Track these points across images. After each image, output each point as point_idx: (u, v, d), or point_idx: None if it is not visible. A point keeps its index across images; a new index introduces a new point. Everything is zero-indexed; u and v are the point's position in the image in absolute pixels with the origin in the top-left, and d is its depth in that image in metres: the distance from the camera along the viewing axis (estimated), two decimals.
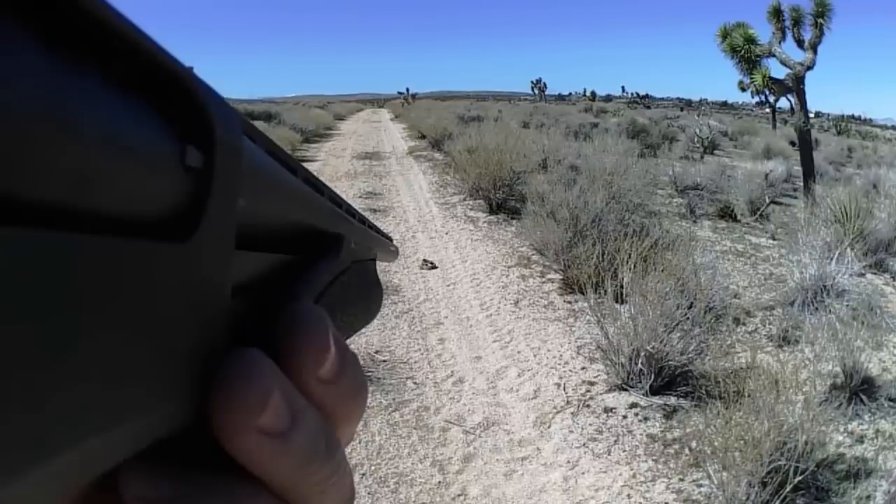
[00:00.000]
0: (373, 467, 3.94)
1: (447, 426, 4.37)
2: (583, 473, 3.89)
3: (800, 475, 3.36)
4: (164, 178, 0.19)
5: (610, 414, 4.52)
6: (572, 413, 4.51)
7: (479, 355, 5.42)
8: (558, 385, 4.90)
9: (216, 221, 0.21)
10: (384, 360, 5.28)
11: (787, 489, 3.33)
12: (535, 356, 5.38)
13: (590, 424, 4.39)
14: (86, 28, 0.16)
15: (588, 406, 4.61)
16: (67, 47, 0.15)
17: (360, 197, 11.89)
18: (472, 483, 3.81)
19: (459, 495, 3.71)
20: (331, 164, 16.65)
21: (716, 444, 3.62)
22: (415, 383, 4.94)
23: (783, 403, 3.64)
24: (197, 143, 0.20)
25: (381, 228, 0.63)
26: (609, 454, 4.09)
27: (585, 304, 5.80)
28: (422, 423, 4.40)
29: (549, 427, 4.36)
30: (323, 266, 0.37)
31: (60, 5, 0.15)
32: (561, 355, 5.38)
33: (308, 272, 0.35)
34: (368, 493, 3.72)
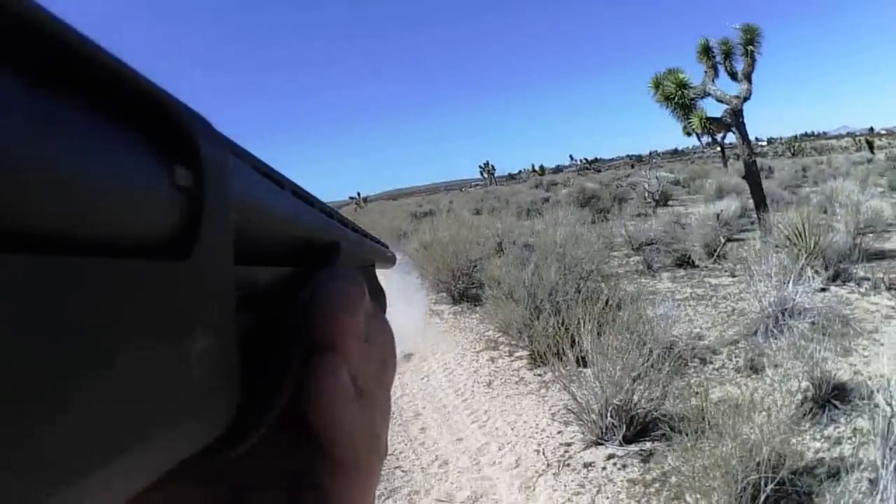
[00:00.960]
0: None
1: None
2: None
3: (773, 483, 3.70)
4: (156, 200, 0.20)
5: (590, 468, 4.87)
6: (554, 474, 4.86)
7: (459, 437, 5.77)
8: (538, 451, 5.25)
9: (213, 237, 0.22)
10: None
11: (763, 499, 3.68)
12: (512, 429, 5.74)
13: (572, 481, 4.74)
14: (67, 60, 0.17)
15: (568, 465, 4.96)
16: (51, 81, 0.16)
17: None
18: None
19: None
20: None
21: (688, 473, 3.97)
22: (403, 471, 5.28)
23: (745, 423, 4.00)
24: (184, 163, 0.21)
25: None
26: None
27: (556, 376, 6.19)
28: None
29: (534, 490, 4.70)
30: (325, 274, 0.37)
31: (42, 42, 0.16)
32: (537, 424, 5.74)
33: (312, 280, 0.36)
34: None
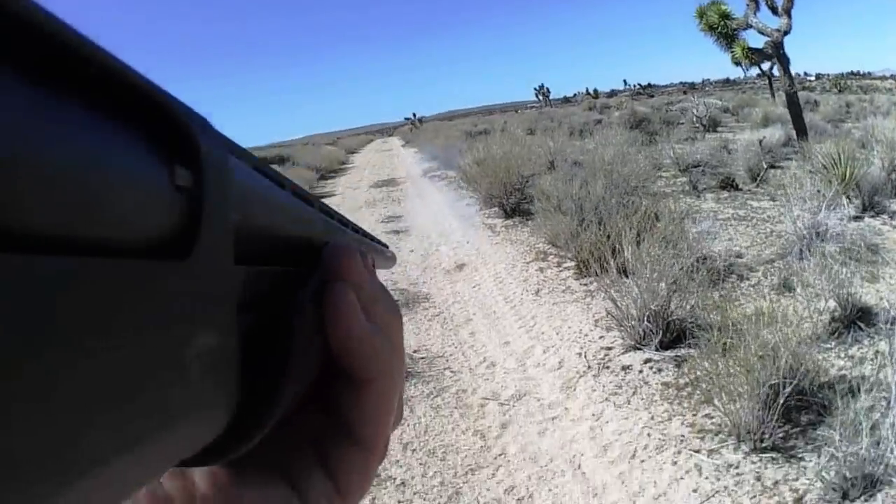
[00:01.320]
0: (421, 443, 4.50)
1: (484, 402, 4.91)
2: (607, 422, 4.40)
3: (791, 388, 3.83)
4: (156, 199, 0.20)
5: (627, 371, 5.04)
6: (594, 375, 5.04)
7: (507, 341, 5.96)
8: (580, 354, 5.43)
9: (213, 237, 0.22)
10: (422, 357, 5.84)
11: (783, 402, 3.78)
12: (557, 334, 5.92)
13: (610, 382, 4.91)
14: (66, 60, 0.16)
15: (607, 367, 5.13)
16: (50, 80, 0.16)
17: (381, 222, 12.45)
18: (510, 444, 4.34)
19: (500, 455, 4.24)
20: (349, 196, 17.22)
21: (714, 373, 4.12)
22: (452, 372, 5.50)
23: (770, 331, 4.11)
24: (184, 163, 0.21)
25: (393, 242, 0.73)
26: (629, 403, 4.60)
27: (600, 285, 6.33)
28: (461, 403, 4.96)
29: (574, 390, 4.89)
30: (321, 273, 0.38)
31: (41, 42, 0.15)
32: (580, 330, 5.91)
33: (310, 281, 0.37)
34: (420, 464, 4.27)
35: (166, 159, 0.20)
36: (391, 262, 0.75)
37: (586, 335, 5.78)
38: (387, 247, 0.72)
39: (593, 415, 4.52)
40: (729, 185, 10.71)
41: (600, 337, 5.69)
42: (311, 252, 0.39)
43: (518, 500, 3.80)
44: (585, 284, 6.98)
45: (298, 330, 0.33)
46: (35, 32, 0.15)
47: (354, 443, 0.40)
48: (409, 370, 5.55)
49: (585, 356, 5.38)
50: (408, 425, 4.73)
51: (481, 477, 4.05)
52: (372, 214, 13.44)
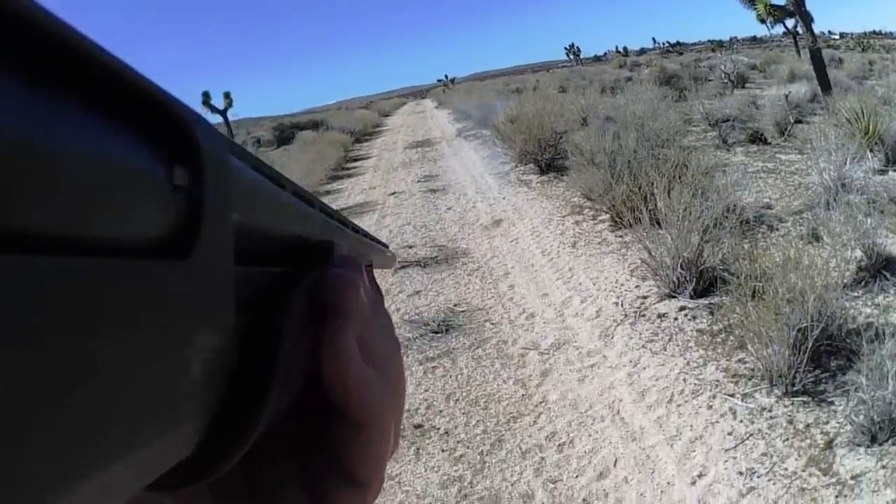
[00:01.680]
0: (464, 393, 4.55)
1: (524, 352, 4.96)
2: (644, 368, 4.43)
3: (818, 331, 3.82)
4: (156, 199, 0.19)
5: (663, 318, 5.05)
6: (630, 323, 5.05)
7: (545, 292, 5.99)
8: (616, 303, 5.44)
9: (213, 237, 0.22)
10: (463, 311, 5.88)
11: (812, 345, 3.79)
12: (594, 284, 5.93)
13: (646, 330, 4.93)
14: (66, 60, 0.16)
15: (643, 315, 5.14)
16: (50, 80, 0.16)
17: (418, 181, 12.47)
18: (550, 391, 4.38)
19: (541, 402, 4.29)
20: (385, 157, 17.21)
21: (745, 318, 4.12)
22: (492, 324, 5.53)
23: (796, 275, 4.11)
24: (184, 163, 0.20)
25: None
26: (665, 350, 4.61)
27: (634, 236, 6.34)
28: (502, 353, 5.00)
29: (612, 338, 4.91)
30: (317, 274, 0.37)
31: (40, 41, 0.15)
32: (617, 280, 5.92)
33: (303, 280, 0.36)
34: (463, 414, 4.33)
35: (166, 159, 0.20)
36: (392, 262, 0.74)
37: (622, 285, 5.79)
38: (387, 247, 0.70)
39: (631, 361, 4.54)
40: (757, 139, 10.61)
41: (636, 286, 5.69)
42: (312, 252, 0.38)
43: (559, 445, 3.84)
44: (620, 236, 6.96)
45: (286, 333, 0.31)
46: (34, 31, 0.15)
47: (351, 482, 0.38)
48: (451, 323, 5.61)
49: (622, 305, 5.39)
50: (450, 377, 4.79)
51: (523, 424, 4.10)
52: (409, 174, 13.49)
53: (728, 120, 11.96)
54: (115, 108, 0.18)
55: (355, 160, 17.91)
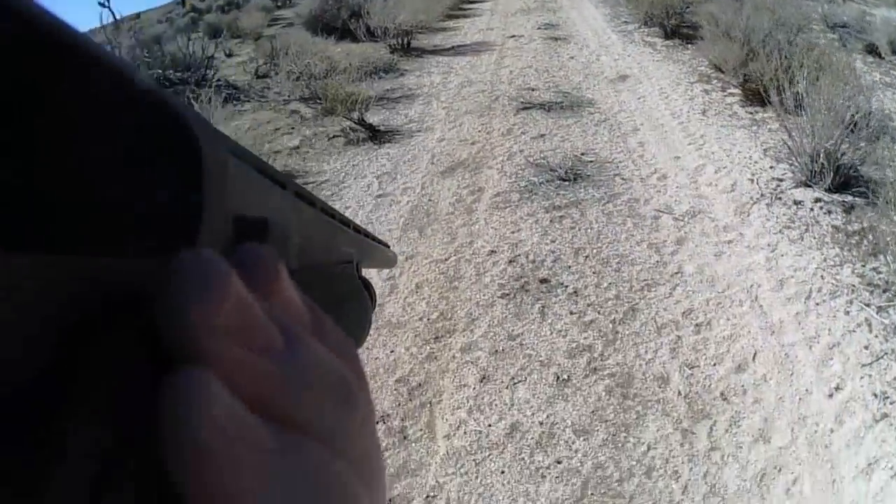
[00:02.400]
0: (594, 250, 4.32)
1: (658, 214, 4.70)
2: (782, 256, 4.16)
3: None
4: (155, 200, 0.19)
5: (799, 206, 4.73)
6: (767, 204, 4.76)
7: (677, 155, 5.67)
8: (751, 180, 5.12)
9: (213, 237, 0.21)
10: (591, 161, 5.61)
11: None
12: (727, 156, 5.59)
13: (783, 214, 4.63)
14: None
15: (779, 199, 4.83)
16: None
17: (538, 28, 11.93)
18: (686, 262, 4.14)
19: (676, 273, 4.06)
20: (501, 2, 16.39)
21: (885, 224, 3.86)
22: (622, 179, 5.26)
23: None
24: (185, 164, 0.20)
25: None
26: (802, 240, 4.33)
27: (766, 115, 5.99)
28: (634, 213, 4.74)
29: (748, 216, 4.62)
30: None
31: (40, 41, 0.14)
32: (750, 156, 5.57)
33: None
34: (594, 273, 4.11)
35: (167, 160, 0.19)
36: (392, 261, 0.69)
37: (756, 163, 5.45)
38: (388, 246, 0.65)
39: (768, 244, 4.28)
40: (873, 51, 10.16)
41: (770, 167, 5.36)
42: (312, 252, 0.36)
43: (696, 325, 3.62)
44: (751, 113, 6.59)
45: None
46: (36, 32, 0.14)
47: None
48: (579, 172, 5.37)
49: (757, 183, 5.07)
50: (579, 229, 4.56)
51: (658, 294, 3.88)
52: (528, 21, 12.90)
53: (845, 26, 11.50)
54: (116, 108, 0.18)
55: (472, 1, 17.18)
